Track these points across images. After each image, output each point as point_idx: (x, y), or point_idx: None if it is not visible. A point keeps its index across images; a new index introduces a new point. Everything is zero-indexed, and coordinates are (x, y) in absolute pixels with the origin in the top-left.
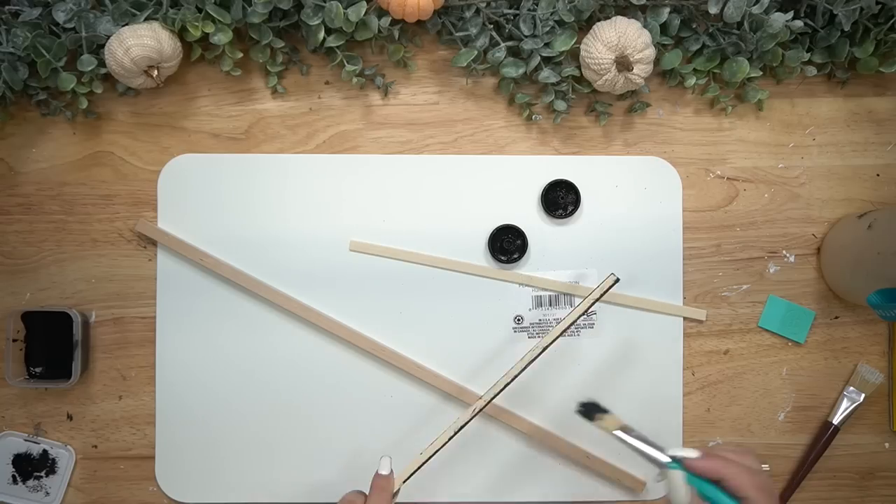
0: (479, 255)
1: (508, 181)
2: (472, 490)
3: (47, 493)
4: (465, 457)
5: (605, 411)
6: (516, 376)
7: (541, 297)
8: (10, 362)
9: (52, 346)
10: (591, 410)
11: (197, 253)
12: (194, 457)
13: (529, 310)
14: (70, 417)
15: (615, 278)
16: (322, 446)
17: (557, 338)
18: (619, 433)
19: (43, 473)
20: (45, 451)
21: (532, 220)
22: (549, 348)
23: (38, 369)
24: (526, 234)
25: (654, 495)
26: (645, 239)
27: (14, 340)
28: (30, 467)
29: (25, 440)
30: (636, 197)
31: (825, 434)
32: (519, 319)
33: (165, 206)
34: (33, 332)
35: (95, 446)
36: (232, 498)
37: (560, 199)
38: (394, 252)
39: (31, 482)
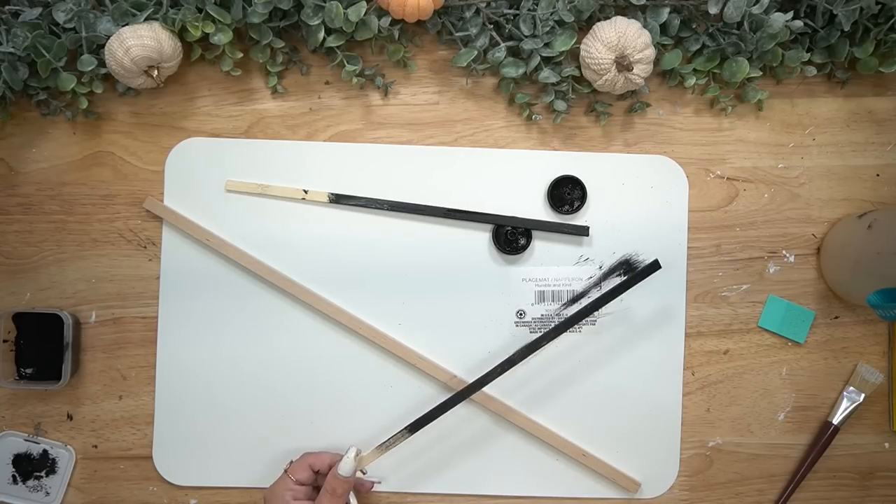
0: (482, 249)
1: (515, 176)
2: (467, 484)
3: (47, 493)
4: (461, 451)
5: None
6: (513, 361)
7: (543, 292)
8: (1, 363)
9: (44, 347)
10: None
11: (203, 232)
12: (194, 440)
13: (532, 305)
14: (70, 417)
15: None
16: (324, 438)
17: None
18: None
19: (43, 473)
20: (45, 451)
21: (538, 216)
22: (551, 343)
23: (28, 370)
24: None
25: (649, 495)
26: (649, 238)
27: (5, 341)
28: (30, 467)
29: (25, 440)
30: (642, 195)
31: (825, 434)
32: (521, 314)
33: (172, 190)
34: (26, 333)
35: (95, 446)
36: (232, 482)
37: (566, 195)
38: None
39: (31, 482)
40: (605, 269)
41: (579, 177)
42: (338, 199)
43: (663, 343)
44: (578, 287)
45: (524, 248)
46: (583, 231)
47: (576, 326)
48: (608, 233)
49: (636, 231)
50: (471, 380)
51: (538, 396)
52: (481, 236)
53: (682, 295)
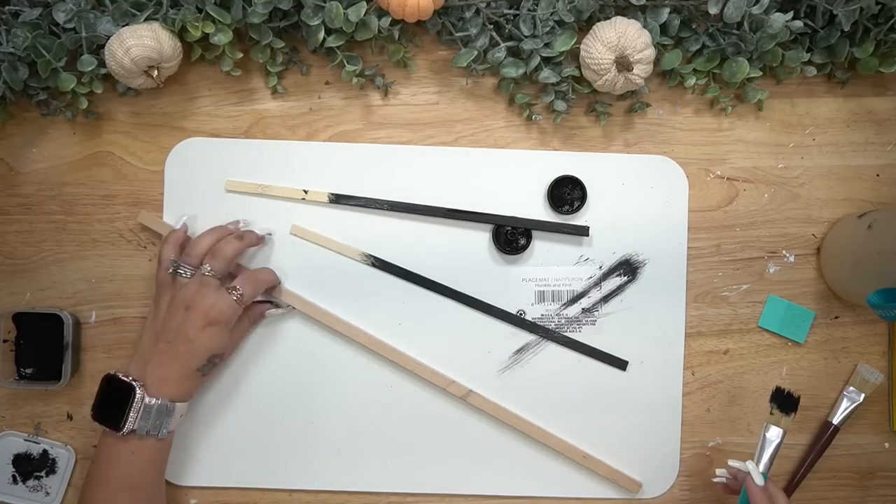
0: (482, 249)
1: (515, 176)
2: (468, 484)
3: (47, 493)
4: (461, 451)
5: (788, 412)
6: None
7: (543, 292)
8: (1, 363)
9: (44, 347)
10: (782, 401)
11: None
12: (194, 440)
13: (532, 305)
14: (70, 417)
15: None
16: (324, 437)
17: None
18: (770, 432)
19: (43, 473)
20: (45, 451)
21: (538, 216)
22: (550, 344)
23: (28, 370)
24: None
25: (650, 495)
26: (649, 238)
27: (5, 341)
28: (30, 467)
29: (25, 440)
30: (642, 195)
31: (825, 434)
32: (521, 314)
33: (172, 190)
34: (25, 333)
35: (95, 446)
36: (232, 483)
37: (566, 195)
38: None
39: (31, 482)
40: (605, 269)
41: (579, 177)
42: (338, 199)
43: (663, 343)
44: (578, 287)
45: (524, 248)
46: (583, 231)
47: (576, 326)
48: (608, 233)
49: (636, 231)
50: (469, 385)
51: (538, 397)
52: (481, 236)
53: (682, 295)
